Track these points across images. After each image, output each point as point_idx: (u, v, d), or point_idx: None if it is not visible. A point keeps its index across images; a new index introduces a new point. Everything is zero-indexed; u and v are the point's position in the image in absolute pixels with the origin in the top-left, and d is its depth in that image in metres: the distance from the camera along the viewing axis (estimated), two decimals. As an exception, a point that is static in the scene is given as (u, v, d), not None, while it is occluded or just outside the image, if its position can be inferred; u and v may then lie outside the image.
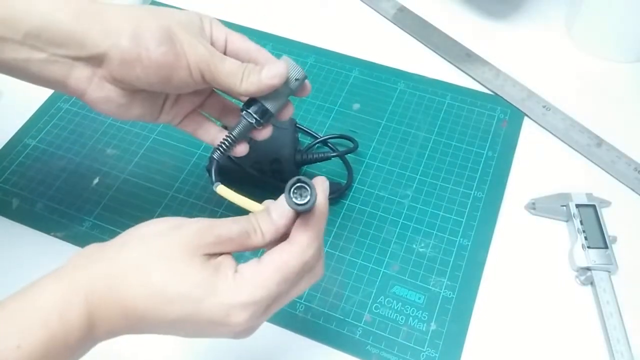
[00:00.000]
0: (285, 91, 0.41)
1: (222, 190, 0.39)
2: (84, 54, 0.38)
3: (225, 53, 0.41)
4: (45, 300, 0.31)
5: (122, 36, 0.37)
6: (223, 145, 0.42)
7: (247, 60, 0.40)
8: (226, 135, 0.42)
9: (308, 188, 0.33)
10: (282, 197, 0.34)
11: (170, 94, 0.43)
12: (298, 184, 0.33)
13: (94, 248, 0.34)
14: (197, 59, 0.38)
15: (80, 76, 0.39)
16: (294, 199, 0.33)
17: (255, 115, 0.41)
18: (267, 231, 0.34)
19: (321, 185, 0.35)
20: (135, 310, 0.31)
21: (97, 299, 0.31)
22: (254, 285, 0.32)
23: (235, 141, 0.42)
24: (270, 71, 0.39)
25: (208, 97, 0.45)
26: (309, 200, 0.32)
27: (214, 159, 0.42)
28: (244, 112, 0.41)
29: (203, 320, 0.32)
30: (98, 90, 0.39)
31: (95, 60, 0.38)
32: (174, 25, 0.38)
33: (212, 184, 0.40)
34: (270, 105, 0.41)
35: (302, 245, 0.33)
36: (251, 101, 0.41)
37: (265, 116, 0.41)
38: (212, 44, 0.40)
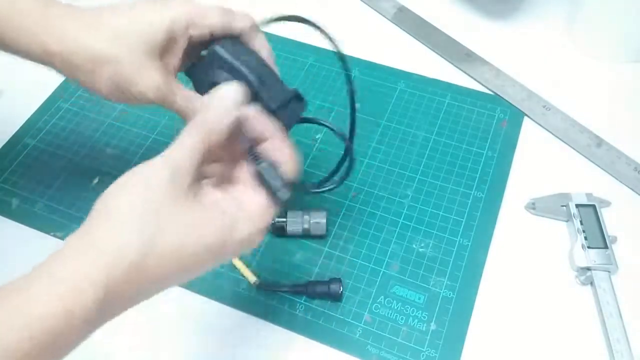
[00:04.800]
0: None
1: None
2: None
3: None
4: (55, 286, 0.30)
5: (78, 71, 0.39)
6: None
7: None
8: None
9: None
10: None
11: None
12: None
13: (79, 234, 0.33)
14: (148, 89, 0.40)
15: None
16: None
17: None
18: (217, 105, 0.36)
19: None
20: (164, 278, 0.32)
21: (114, 281, 0.30)
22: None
23: None
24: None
25: None
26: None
27: None
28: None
29: (232, 244, 0.34)
30: None
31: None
32: (127, 48, 0.39)
33: None
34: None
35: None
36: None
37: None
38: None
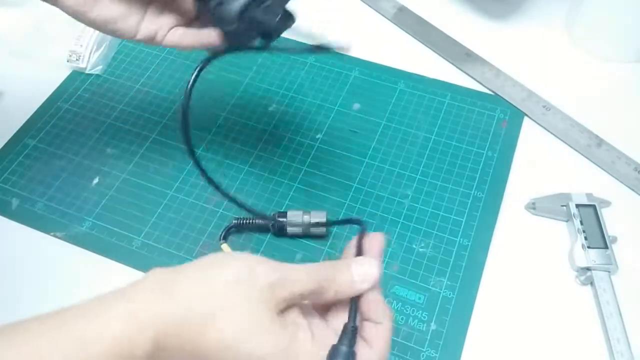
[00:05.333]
0: None
1: (226, 248, 0.50)
2: None
3: None
4: (114, 329, 0.29)
5: None
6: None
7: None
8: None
9: None
10: (368, 263, 0.34)
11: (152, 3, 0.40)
12: None
13: (164, 276, 0.32)
14: None
15: None
16: None
17: None
18: (341, 287, 0.33)
19: (364, 277, 0.34)
20: (206, 358, 0.30)
21: (165, 340, 0.30)
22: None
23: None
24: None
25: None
26: None
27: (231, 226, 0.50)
28: None
29: None
30: None
31: None
32: None
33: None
34: None
35: (380, 351, 0.33)
36: None
37: None
38: None
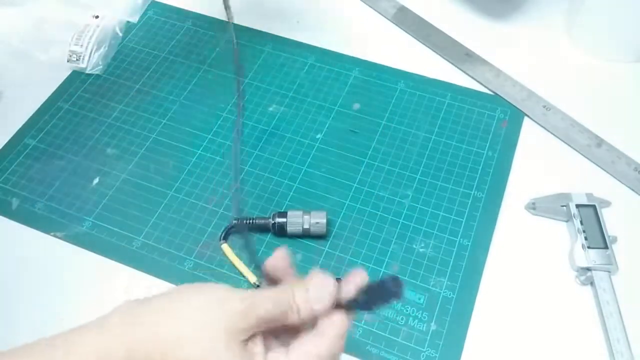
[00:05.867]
0: None
1: (226, 248, 0.51)
2: None
3: None
4: (87, 352, 0.30)
5: None
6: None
7: None
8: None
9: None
10: (323, 282, 0.34)
11: None
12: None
13: (132, 307, 0.32)
14: None
15: None
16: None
17: None
18: (304, 313, 0.33)
19: (355, 282, 0.34)
20: None
21: None
22: None
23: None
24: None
25: None
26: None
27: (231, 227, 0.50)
28: None
29: None
30: None
31: None
32: None
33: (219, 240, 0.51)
34: None
35: (331, 338, 0.33)
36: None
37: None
38: None
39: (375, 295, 0.35)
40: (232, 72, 0.65)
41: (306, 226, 0.51)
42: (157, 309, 0.32)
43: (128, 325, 0.31)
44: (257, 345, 0.33)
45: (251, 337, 0.33)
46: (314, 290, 0.34)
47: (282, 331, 0.34)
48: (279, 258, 0.36)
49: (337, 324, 0.33)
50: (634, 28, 0.62)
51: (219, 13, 0.69)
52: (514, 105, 0.61)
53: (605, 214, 0.52)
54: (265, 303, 0.33)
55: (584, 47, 0.65)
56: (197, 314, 0.32)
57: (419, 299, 0.49)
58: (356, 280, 0.34)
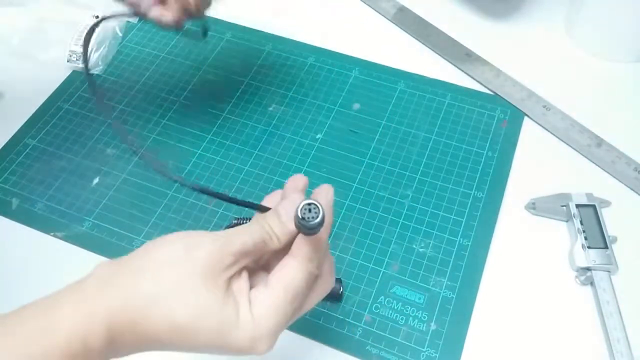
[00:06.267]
0: None
1: None
2: None
3: None
4: (66, 325, 0.30)
5: None
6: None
7: None
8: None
9: (319, 208, 0.32)
10: (289, 199, 0.34)
11: None
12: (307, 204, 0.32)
13: (107, 269, 0.32)
14: None
15: None
16: (303, 220, 0.31)
17: None
18: (281, 235, 0.34)
19: (325, 196, 0.35)
20: (159, 342, 0.31)
21: (118, 329, 0.30)
22: (270, 315, 0.32)
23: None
24: None
25: None
26: (318, 223, 0.31)
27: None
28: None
29: (229, 349, 0.32)
30: None
31: None
32: None
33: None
34: None
35: (304, 257, 0.33)
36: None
37: None
38: None
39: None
40: (233, 72, 0.65)
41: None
42: (132, 270, 0.32)
43: (105, 289, 0.31)
44: (242, 281, 0.33)
45: (236, 274, 0.33)
46: (285, 212, 0.34)
47: (275, 263, 0.34)
48: (300, 180, 0.37)
49: (305, 242, 0.33)
50: (634, 28, 0.62)
51: (219, 13, 0.69)
52: (514, 105, 0.61)
53: (605, 214, 0.52)
54: (241, 237, 0.33)
55: (584, 47, 0.65)
56: (170, 271, 0.31)
57: (419, 299, 0.49)
58: (322, 194, 0.35)
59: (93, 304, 0.30)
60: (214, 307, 0.31)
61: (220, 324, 0.31)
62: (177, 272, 0.31)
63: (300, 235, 0.33)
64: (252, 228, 0.34)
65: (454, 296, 0.49)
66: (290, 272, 0.33)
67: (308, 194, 0.55)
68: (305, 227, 0.32)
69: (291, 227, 0.34)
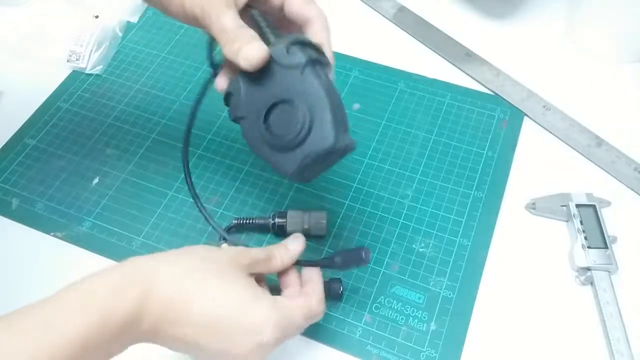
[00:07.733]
0: None
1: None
2: None
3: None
4: (112, 277, 0.34)
5: None
6: None
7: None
8: None
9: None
10: (293, 237, 0.45)
11: None
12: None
13: (148, 256, 0.37)
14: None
15: None
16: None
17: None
18: (284, 257, 0.43)
19: (296, 248, 0.44)
20: (187, 309, 0.35)
21: (149, 305, 0.34)
22: (287, 311, 0.39)
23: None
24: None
25: None
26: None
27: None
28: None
29: (243, 322, 0.36)
30: None
31: None
32: None
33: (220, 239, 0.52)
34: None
35: (319, 295, 0.42)
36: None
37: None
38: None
39: (349, 259, 0.44)
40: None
41: (306, 226, 0.51)
42: (170, 254, 0.38)
43: (146, 258, 0.36)
44: (263, 283, 0.42)
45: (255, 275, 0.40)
46: (290, 242, 0.44)
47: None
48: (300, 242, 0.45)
49: (319, 285, 0.43)
50: (634, 28, 0.62)
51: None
52: (514, 105, 0.61)
53: (605, 214, 0.52)
54: (252, 249, 0.41)
55: (584, 47, 0.65)
56: (207, 254, 0.38)
57: (419, 298, 0.49)
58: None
59: (135, 262, 0.36)
60: (241, 284, 0.37)
61: (245, 295, 0.37)
62: (212, 256, 0.38)
63: (315, 280, 0.43)
64: (266, 249, 0.43)
65: (454, 296, 0.49)
66: (309, 300, 0.41)
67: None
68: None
69: (295, 252, 0.44)
